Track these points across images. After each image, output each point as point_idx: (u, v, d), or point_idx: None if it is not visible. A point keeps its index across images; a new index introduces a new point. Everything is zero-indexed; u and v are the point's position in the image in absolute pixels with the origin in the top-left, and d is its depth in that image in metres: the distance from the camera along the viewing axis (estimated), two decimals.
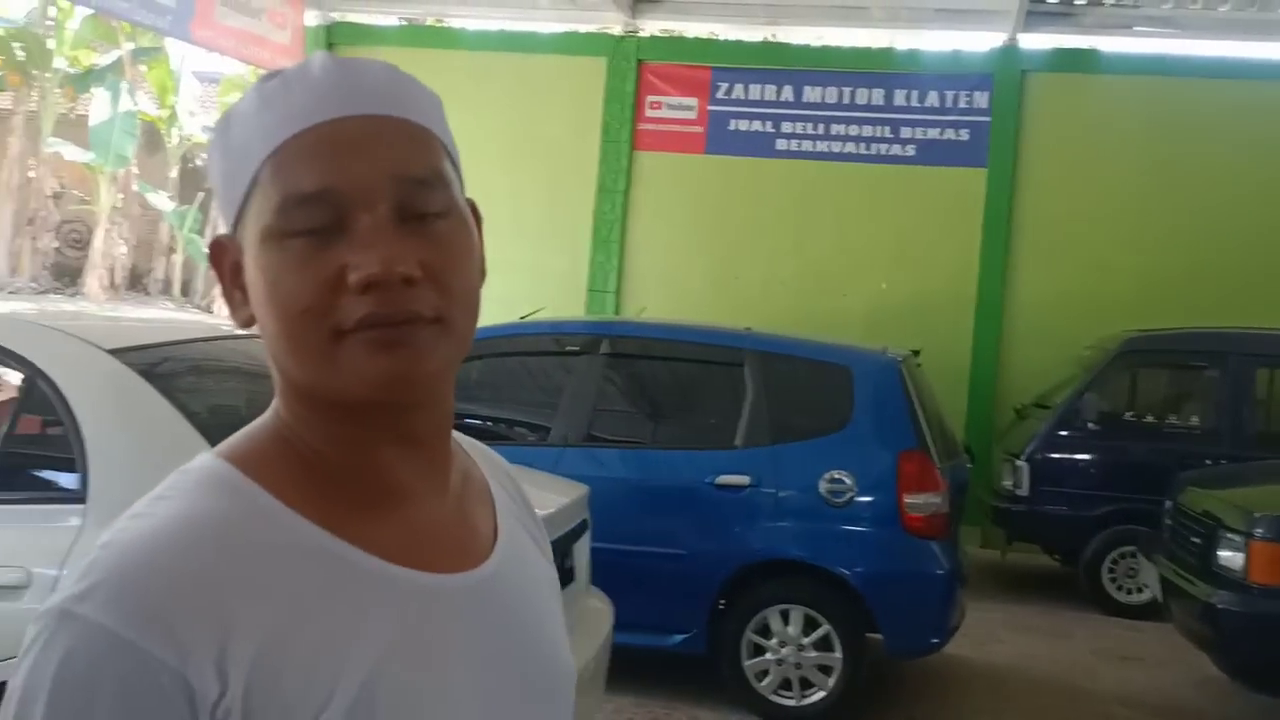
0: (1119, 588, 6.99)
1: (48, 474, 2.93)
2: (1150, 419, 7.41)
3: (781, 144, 9.17)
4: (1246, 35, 8.82)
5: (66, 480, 2.74)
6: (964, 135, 8.97)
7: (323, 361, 0.74)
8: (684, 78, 9.27)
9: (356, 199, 0.73)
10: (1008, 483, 7.29)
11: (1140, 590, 6.85)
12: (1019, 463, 7.20)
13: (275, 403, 0.81)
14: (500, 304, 6.22)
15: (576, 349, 5.33)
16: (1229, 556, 4.54)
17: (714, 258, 9.18)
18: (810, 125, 9.14)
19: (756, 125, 9.23)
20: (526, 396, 5.52)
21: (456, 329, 0.77)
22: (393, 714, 0.72)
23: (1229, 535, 4.57)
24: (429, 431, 0.81)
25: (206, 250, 0.81)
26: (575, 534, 3.51)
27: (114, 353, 2.83)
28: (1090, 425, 7.09)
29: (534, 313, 5.91)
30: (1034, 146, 8.92)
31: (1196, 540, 4.85)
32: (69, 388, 2.71)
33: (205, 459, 0.78)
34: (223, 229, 0.80)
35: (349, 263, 0.72)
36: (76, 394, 2.70)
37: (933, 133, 8.97)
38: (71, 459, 2.66)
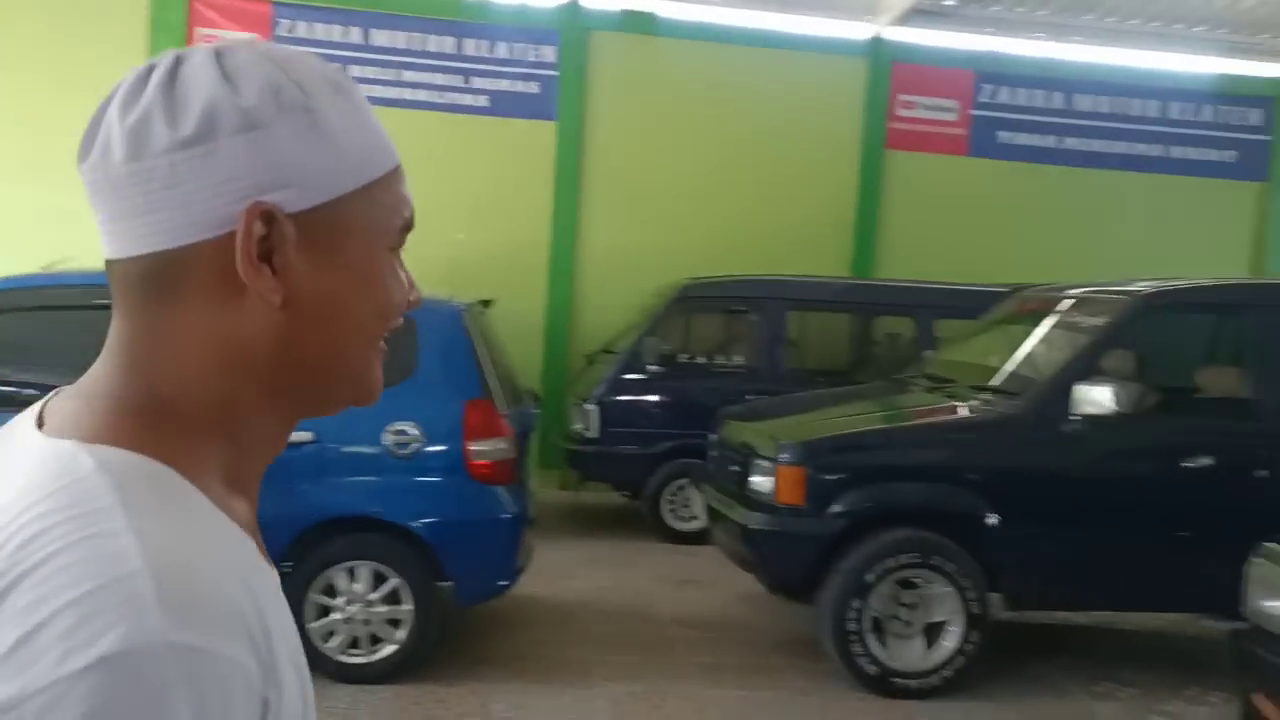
0: (677, 518, 7.55)
1: None
2: (702, 360, 8.03)
3: None
4: (789, 8, 9.69)
5: None
6: (534, 88, 9.13)
7: (369, 358, 0.78)
8: (239, 10, 8.66)
9: None
10: (579, 426, 7.60)
11: (693, 519, 7.44)
12: (588, 406, 7.53)
13: (127, 397, 0.71)
14: None
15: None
16: (760, 481, 5.01)
17: None
18: (381, 70, 8.91)
19: None
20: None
21: None
22: (292, 700, 0.68)
23: (760, 462, 5.04)
24: None
25: (245, 209, 0.70)
26: None
27: None
28: (651, 368, 7.54)
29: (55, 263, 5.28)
30: (600, 103, 9.27)
31: (735, 469, 5.31)
32: None
33: (122, 456, 0.67)
34: (260, 195, 0.70)
35: (407, 284, 0.80)
36: None
37: (504, 84, 9.05)
38: None
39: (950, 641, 4.85)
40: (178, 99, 0.69)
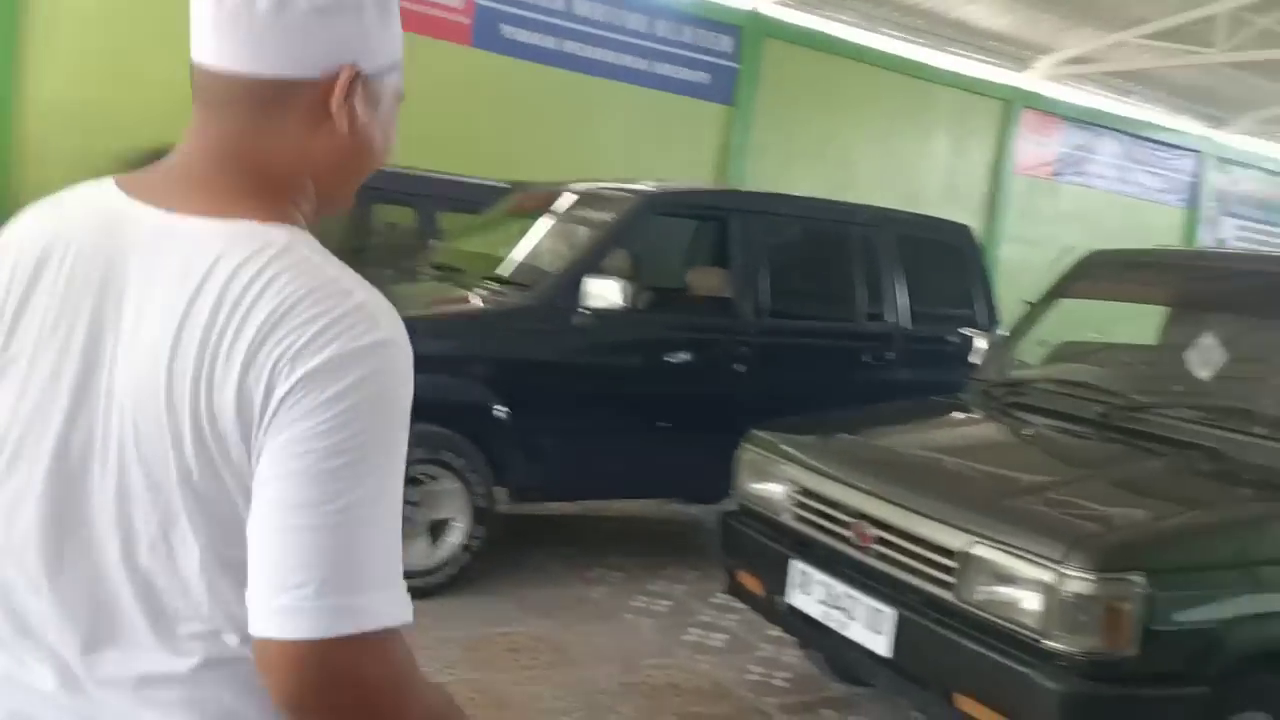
0: None
1: None
2: None
3: None
4: None
5: None
6: None
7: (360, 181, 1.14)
8: None
9: None
10: None
11: None
12: None
13: (248, 185, 1.04)
14: None
15: None
16: None
17: None
18: None
19: None
20: None
21: None
22: None
23: None
24: None
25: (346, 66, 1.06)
26: None
27: None
28: None
29: None
30: None
31: None
32: None
33: (293, 229, 1.03)
34: (356, 58, 1.06)
35: None
36: None
37: None
38: None
39: (455, 538, 4.72)
40: None
